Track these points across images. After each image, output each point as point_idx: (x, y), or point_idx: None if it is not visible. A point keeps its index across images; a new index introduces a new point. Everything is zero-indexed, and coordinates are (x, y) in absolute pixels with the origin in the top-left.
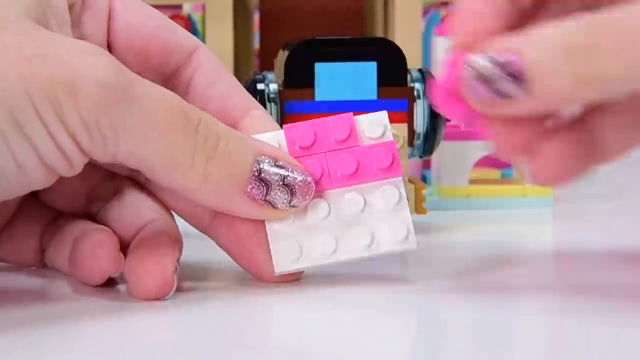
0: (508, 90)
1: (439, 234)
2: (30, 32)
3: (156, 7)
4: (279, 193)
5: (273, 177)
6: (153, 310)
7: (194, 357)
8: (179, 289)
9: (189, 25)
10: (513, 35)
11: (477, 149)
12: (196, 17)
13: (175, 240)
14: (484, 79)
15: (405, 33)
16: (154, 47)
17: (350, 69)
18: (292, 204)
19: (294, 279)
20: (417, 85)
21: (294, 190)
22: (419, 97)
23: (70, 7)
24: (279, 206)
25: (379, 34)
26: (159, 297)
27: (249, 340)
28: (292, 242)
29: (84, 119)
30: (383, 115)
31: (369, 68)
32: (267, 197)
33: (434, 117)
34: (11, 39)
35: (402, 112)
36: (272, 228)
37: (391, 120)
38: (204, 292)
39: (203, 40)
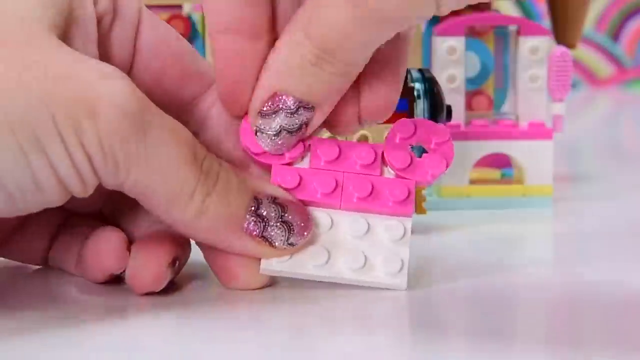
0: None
1: (439, 234)
2: (55, 52)
3: (156, 7)
4: (276, 230)
5: (271, 213)
6: (157, 310)
7: (198, 356)
8: (184, 288)
9: (189, 25)
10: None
11: (477, 149)
12: (196, 17)
13: (179, 238)
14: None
15: None
16: (171, 70)
17: None
18: (289, 242)
19: (262, 285)
20: (417, 85)
21: (292, 227)
22: (419, 97)
23: (101, 19)
24: (276, 244)
25: None
26: (153, 289)
27: (253, 337)
28: None
29: (101, 142)
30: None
31: None
32: (265, 234)
33: (434, 117)
34: (38, 59)
35: (402, 112)
36: None
37: (391, 120)
38: (208, 290)
39: (203, 40)
